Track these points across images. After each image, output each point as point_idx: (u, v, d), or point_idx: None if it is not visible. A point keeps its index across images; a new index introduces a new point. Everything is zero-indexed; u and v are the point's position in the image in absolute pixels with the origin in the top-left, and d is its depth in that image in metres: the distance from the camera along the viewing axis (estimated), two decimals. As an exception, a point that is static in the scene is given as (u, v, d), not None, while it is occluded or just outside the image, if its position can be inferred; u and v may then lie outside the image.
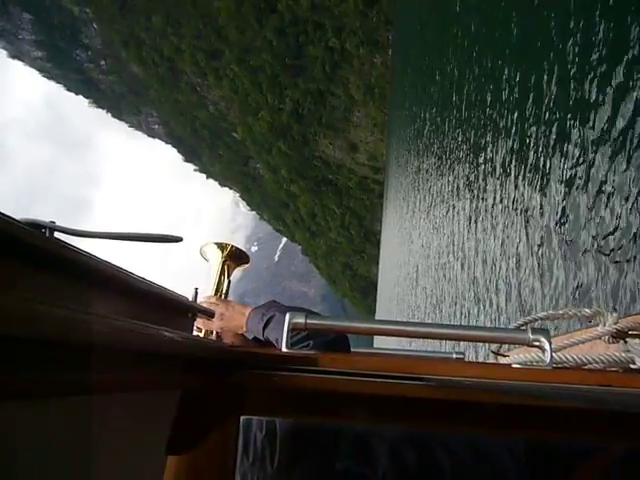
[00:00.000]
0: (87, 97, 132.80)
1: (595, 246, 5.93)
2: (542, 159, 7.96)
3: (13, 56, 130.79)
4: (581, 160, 6.53)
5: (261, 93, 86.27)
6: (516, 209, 9.11)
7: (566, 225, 6.80)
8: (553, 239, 7.26)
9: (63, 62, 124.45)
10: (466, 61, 15.76)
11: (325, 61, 73.74)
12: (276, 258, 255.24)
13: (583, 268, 6.25)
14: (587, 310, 1.75)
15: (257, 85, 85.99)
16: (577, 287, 6.35)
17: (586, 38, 6.78)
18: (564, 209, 6.95)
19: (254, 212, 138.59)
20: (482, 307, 11.01)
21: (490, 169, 11.24)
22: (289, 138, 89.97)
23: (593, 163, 6.17)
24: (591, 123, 6.30)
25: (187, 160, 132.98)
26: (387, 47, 65.76)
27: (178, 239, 1.18)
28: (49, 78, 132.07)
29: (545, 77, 8.18)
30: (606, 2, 6.42)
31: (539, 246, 7.83)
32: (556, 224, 7.17)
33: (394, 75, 60.23)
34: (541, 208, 7.81)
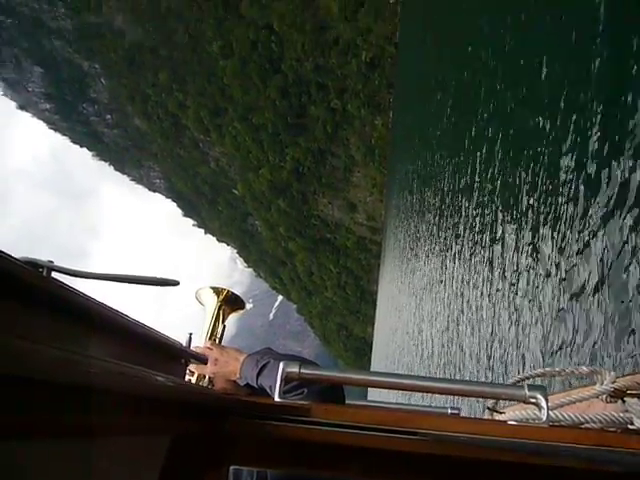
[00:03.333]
0: (91, 150, 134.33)
1: (594, 303, 5.95)
2: (536, 221, 8.08)
3: (21, 107, 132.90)
4: (573, 224, 6.64)
5: (262, 151, 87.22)
6: (511, 268, 9.16)
7: (563, 282, 6.85)
8: (548, 295, 7.29)
9: (70, 115, 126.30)
10: (462, 128, 16.04)
11: (327, 121, 74.86)
12: (271, 316, 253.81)
13: (581, 324, 6.25)
14: (585, 368, 1.75)
15: (259, 143, 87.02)
16: (575, 344, 6.35)
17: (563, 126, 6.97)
18: (558, 265, 7.01)
19: (251, 269, 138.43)
20: (478, 363, 10.95)
21: (486, 232, 11.31)
22: (288, 196, 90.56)
23: (584, 227, 6.30)
24: (579, 194, 6.46)
25: (186, 215, 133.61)
26: (388, 109, 66.89)
27: (175, 283, 1.18)
28: (55, 130, 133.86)
29: (540, 141, 8.34)
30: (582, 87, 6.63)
31: (535, 302, 7.85)
32: (551, 281, 7.22)
33: (394, 137, 61.09)
34: (536, 266, 7.88)
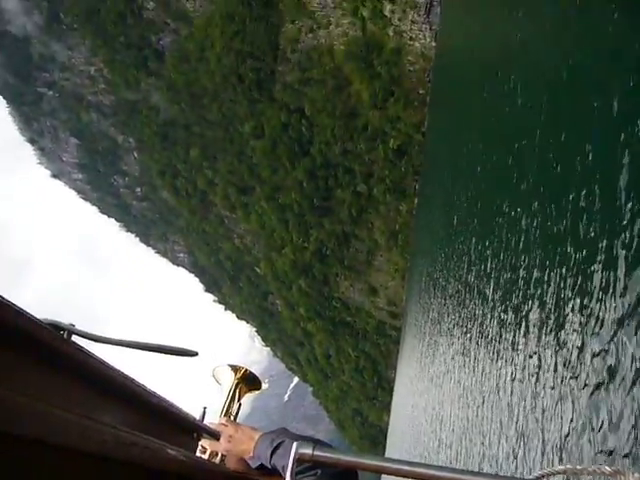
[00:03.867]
0: (119, 221, 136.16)
1: (618, 395, 5.65)
2: (561, 310, 7.87)
3: (54, 175, 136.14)
4: (598, 316, 6.45)
5: (287, 230, 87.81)
6: (533, 356, 8.87)
7: (586, 373, 6.57)
8: (571, 386, 6.99)
9: (101, 186, 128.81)
10: (486, 217, 15.94)
11: (352, 205, 75.50)
12: (286, 397, 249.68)
13: (605, 417, 5.94)
14: (607, 468, 1.64)
15: (284, 222, 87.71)
16: (598, 438, 6.01)
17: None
18: (581, 355, 6.75)
19: (268, 348, 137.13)
20: (497, 453, 10.49)
21: (508, 320, 11.06)
22: (310, 277, 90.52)
23: (607, 321, 6.10)
24: (607, 290, 6.26)
25: (208, 290, 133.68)
26: (413, 196, 67.41)
27: (194, 353, 1.20)
28: (85, 200, 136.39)
29: (564, 239, 8.20)
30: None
31: (557, 393, 7.53)
32: (574, 372, 6.94)
33: (418, 223, 61.30)
34: (559, 355, 7.61)
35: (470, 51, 32.27)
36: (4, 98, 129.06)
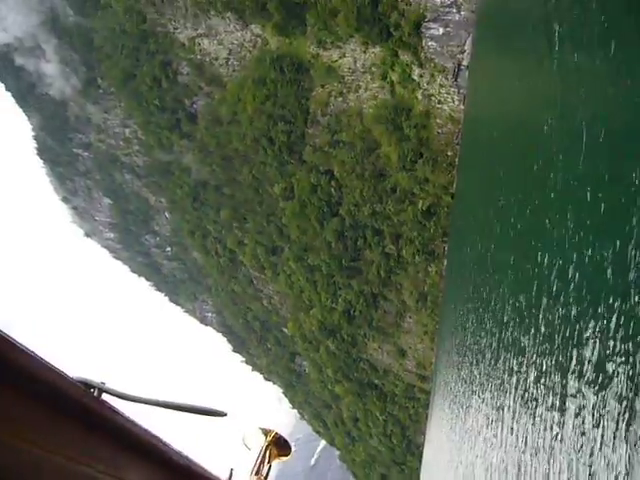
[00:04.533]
0: (149, 280, 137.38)
1: None
2: (601, 373, 7.74)
3: (87, 234, 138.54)
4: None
5: (315, 291, 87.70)
6: (568, 414, 8.67)
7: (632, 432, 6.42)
8: (610, 442, 6.82)
9: (132, 245, 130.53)
10: (520, 277, 15.86)
11: (381, 266, 75.36)
12: (312, 461, 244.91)
13: None
14: None
15: (312, 283, 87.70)
16: None
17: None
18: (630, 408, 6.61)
19: (295, 410, 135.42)
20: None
21: (547, 378, 10.87)
22: (338, 338, 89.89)
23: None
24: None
25: (235, 350, 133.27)
26: (442, 257, 67.19)
27: (222, 414, 1.19)
28: (116, 258, 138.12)
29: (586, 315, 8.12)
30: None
31: (596, 451, 7.35)
32: (618, 429, 6.81)
33: (448, 285, 60.94)
34: (596, 413, 7.46)
35: (497, 114, 32.58)
36: (41, 158, 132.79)
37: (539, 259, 13.18)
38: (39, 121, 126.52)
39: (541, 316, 11.84)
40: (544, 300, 11.94)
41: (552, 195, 13.05)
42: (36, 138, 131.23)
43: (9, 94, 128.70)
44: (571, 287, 9.73)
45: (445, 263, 66.48)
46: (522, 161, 20.69)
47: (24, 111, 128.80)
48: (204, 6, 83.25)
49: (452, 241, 60.86)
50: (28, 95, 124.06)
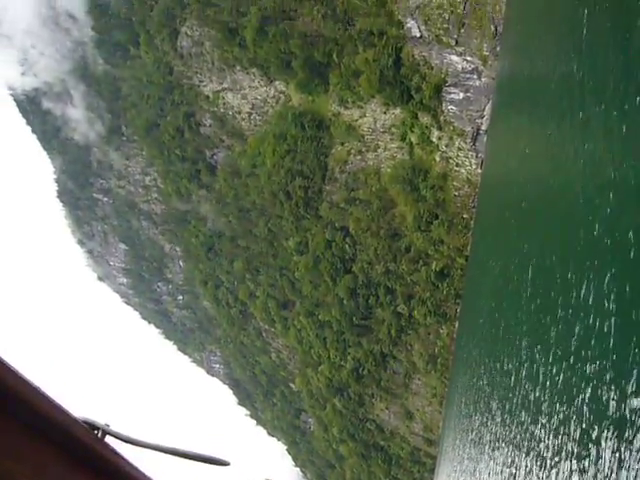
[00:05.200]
0: (158, 327, 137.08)
1: None
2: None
3: (100, 278, 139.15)
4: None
5: (325, 348, 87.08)
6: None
7: None
8: None
9: (144, 292, 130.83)
10: (534, 343, 15.73)
11: (392, 325, 74.84)
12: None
13: None
14: None
15: (322, 339, 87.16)
16: None
17: None
18: None
19: (298, 468, 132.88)
20: None
21: (562, 440, 10.69)
22: (345, 396, 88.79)
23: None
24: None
25: (240, 403, 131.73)
26: (454, 320, 66.69)
27: (226, 463, 1.18)
28: (127, 304, 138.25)
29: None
30: None
31: None
32: None
33: (459, 348, 60.33)
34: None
35: (515, 180, 32.74)
36: (61, 201, 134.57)
37: (553, 324, 13.07)
38: (62, 164, 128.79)
39: (556, 379, 11.67)
40: (558, 364, 11.80)
41: (570, 262, 13.01)
42: (57, 181, 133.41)
43: (34, 137, 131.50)
44: (587, 351, 9.62)
45: (457, 325, 65.94)
46: (538, 227, 20.69)
47: (48, 154, 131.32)
48: (230, 61, 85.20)
49: (465, 304, 60.49)
50: (53, 139, 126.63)
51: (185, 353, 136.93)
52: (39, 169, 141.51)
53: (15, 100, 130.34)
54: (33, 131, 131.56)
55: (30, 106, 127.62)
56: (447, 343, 67.94)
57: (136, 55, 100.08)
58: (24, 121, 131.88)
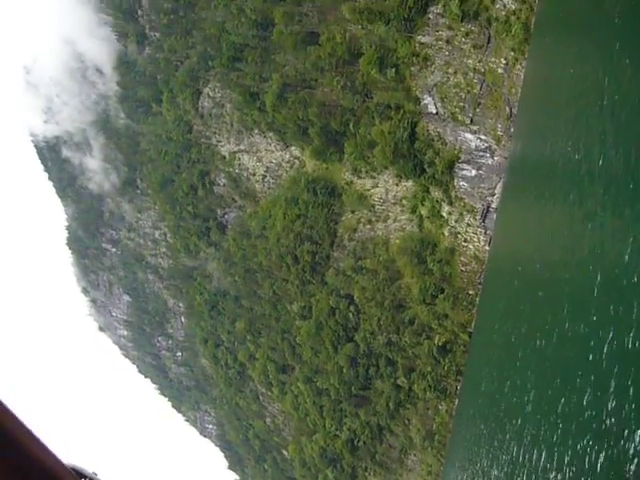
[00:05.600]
0: (154, 383, 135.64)
1: None
2: None
3: (101, 329, 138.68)
4: None
5: (321, 416, 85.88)
6: None
7: None
8: None
9: (143, 345, 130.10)
10: (534, 436, 15.62)
11: (390, 398, 73.92)
12: None
13: None
14: None
15: (319, 407, 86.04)
16: None
17: None
18: None
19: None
20: None
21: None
22: (338, 468, 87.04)
23: None
24: None
25: (231, 467, 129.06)
26: (454, 396, 65.83)
27: None
28: (126, 356, 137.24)
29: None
30: None
31: None
32: None
33: (457, 426, 59.37)
34: None
35: (522, 260, 32.80)
36: (70, 248, 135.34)
37: (559, 409, 12.93)
38: (74, 212, 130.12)
39: (561, 465, 11.50)
40: (563, 449, 11.64)
41: (579, 348, 12.95)
42: (68, 228, 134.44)
43: (50, 183, 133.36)
44: (591, 435, 9.50)
45: (456, 403, 65.01)
46: (544, 308, 20.63)
47: (62, 201, 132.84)
48: (249, 124, 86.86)
49: (466, 381, 59.79)
50: (68, 187, 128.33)
51: (179, 411, 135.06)
52: (52, 215, 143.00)
53: (35, 147, 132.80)
54: (50, 178, 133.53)
55: (49, 153, 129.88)
56: (446, 420, 66.88)
57: (157, 112, 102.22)
58: (42, 167, 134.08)
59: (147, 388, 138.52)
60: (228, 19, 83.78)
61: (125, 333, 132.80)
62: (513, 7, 55.01)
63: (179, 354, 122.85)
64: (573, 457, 10.34)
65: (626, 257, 10.45)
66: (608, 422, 8.57)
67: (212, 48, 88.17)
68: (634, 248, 10.30)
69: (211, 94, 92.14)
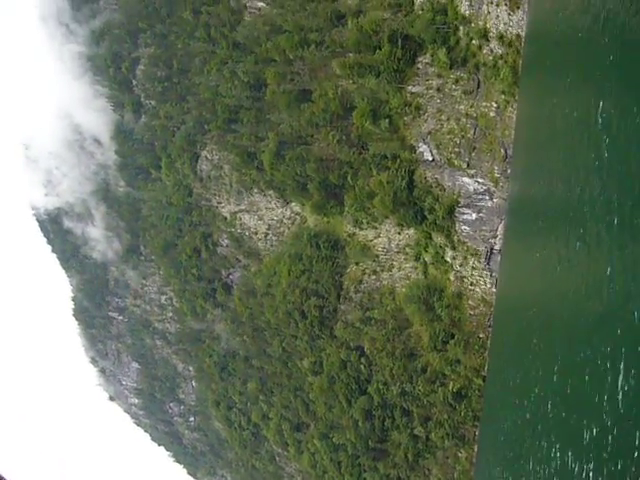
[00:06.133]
0: (168, 450, 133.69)
1: None
2: None
3: (111, 398, 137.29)
4: None
5: (339, 472, 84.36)
6: None
7: None
8: None
9: (155, 412, 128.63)
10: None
11: (408, 449, 72.70)
12: None
13: None
14: None
15: (336, 464, 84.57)
16: None
17: None
18: None
19: None
20: None
21: None
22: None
23: None
24: None
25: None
26: (473, 442, 64.79)
27: None
28: (138, 425, 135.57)
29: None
30: None
31: None
32: None
33: (478, 474, 58.43)
34: None
35: (529, 298, 32.80)
36: (76, 319, 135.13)
37: (574, 449, 12.84)
38: (79, 283, 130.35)
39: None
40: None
41: (592, 379, 12.92)
42: (74, 299, 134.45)
43: (54, 255, 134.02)
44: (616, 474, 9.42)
45: (476, 449, 63.95)
46: (555, 345, 20.58)
47: (66, 272, 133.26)
48: (248, 184, 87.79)
49: (483, 426, 58.96)
50: (72, 258, 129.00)
51: (195, 477, 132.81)
52: (57, 287, 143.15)
53: (37, 220, 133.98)
54: (53, 250, 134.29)
55: (51, 225, 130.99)
56: (466, 468, 65.66)
57: (157, 178, 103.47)
58: (45, 240, 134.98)
59: (161, 456, 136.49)
60: (221, 83, 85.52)
61: (136, 401, 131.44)
62: (500, 51, 56.24)
63: (192, 419, 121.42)
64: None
65: (631, 291, 10.55)
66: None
67: (207, 112, 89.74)
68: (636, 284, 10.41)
69: (209, 157, 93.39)
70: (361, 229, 75.30)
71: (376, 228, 73.61)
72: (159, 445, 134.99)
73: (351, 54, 69.22)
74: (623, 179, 13.69)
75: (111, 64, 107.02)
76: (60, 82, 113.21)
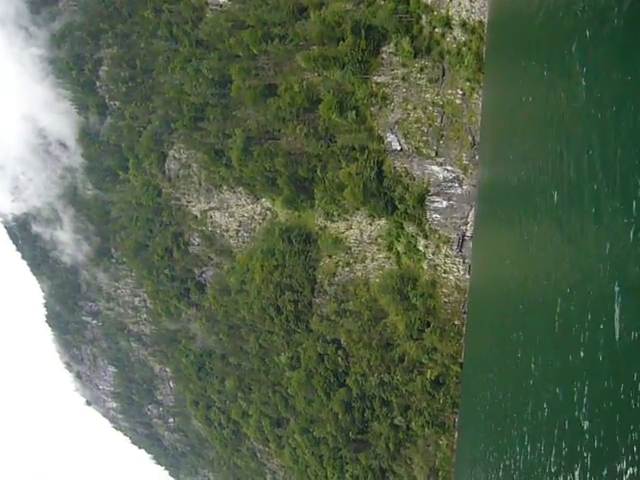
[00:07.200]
0: (149, 452, 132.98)
1: None
2: None
3: (88, 403, 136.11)
4: None
5: (321, 466, 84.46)
6: None
7: None
8: None
9: (134, 415, 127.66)
10: (531, 464, 15.51)
11: (389, 439, 73.01)
12: None
13: None
14: None
15: (318, 457, 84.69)
16: None
17: None
18: None
19: None
20: None
21: None
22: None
23: None
24: None
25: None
26: (453, 430, 65.23)
27: None
28: (117, 429, 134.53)
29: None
30: None
31: None
32: None
33: (459, 460, 58.77)
34: None
35: (502, 282, 32.95)
36: (49, 325, 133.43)
37: (554, 439, 12.86)
38: (50, 288, 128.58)
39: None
40: (566, 472, 11.50)
41: (568, 357, 12.91)
42: (46, 305, 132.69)
43: (24, 262, 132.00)
44: (589, 459, 9.41)
45: (456, 436, 64.39)
46: (530, 327, 20.65)
47: (37, 278, 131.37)
48: (217, 181, 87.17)
49: (463, 412, 59.35)
50: (42, 263, 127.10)
51: (178, 478, 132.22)
52: (28, 294, 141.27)
53: (5, 227, 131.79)
54: (23, 257, 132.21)
55: (20, 231, 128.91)
56: (448, 455, 66.10)
57: (125, 179, 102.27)
58: (14, 247, 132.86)
59: (142, 459, 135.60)
60: (186, 81, 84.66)
61: (114, 405, 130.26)
62: (463, 39, 56.43)
63: (171, 420, 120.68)
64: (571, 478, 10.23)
65: (601, 273, 10.54)
66: (600, 445, 8.51)
67: (173, 110, 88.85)
68: (609, 264, 10.39)
69: (176, 156, 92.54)
70: (332, 222, 75.20)
71: (347, 220, 73.56)
72: (139, 448, 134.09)
73: (315, 47, 68.90)
74: (590, 162, 13.71)
75: (73, 66, 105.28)
76: (22, 86, 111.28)
